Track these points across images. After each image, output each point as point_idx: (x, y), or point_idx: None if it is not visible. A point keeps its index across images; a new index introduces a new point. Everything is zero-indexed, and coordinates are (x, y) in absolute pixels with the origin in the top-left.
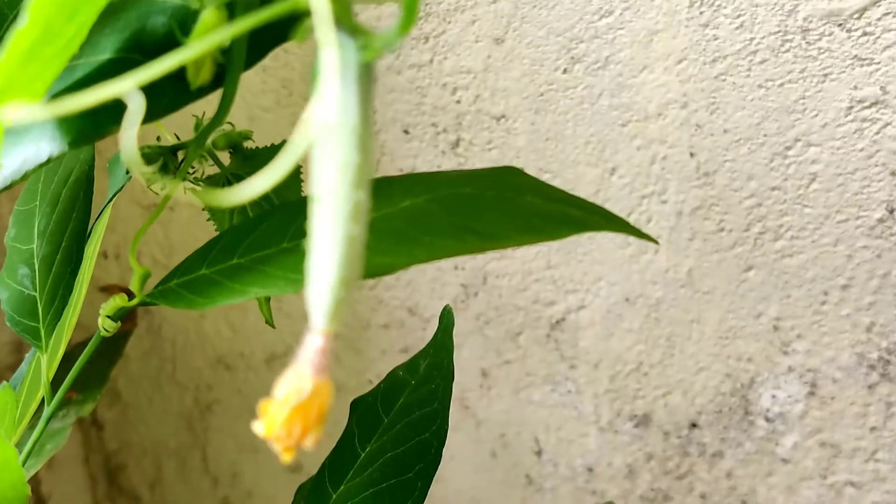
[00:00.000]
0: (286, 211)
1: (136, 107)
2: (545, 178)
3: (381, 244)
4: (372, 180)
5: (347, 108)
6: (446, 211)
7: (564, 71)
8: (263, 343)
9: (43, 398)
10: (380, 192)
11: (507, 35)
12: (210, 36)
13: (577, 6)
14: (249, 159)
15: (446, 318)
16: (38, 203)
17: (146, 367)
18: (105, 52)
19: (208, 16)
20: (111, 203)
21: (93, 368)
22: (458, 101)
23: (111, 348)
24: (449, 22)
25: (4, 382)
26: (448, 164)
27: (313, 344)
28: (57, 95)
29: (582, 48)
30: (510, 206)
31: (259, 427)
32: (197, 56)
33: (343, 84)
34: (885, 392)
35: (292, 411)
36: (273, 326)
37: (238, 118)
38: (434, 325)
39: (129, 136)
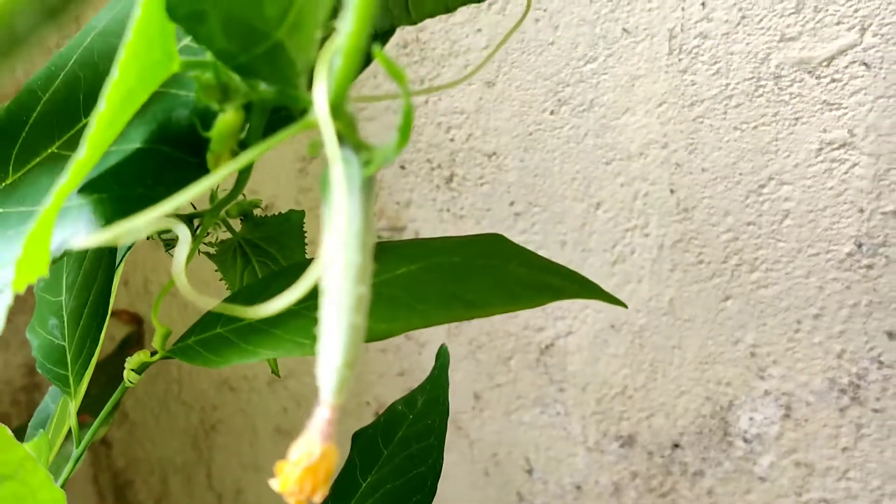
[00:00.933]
0: (293, 273)
1: (185, 237)
2: (534, 211)
3: (380, 311)
4: (375, 245)
5: (352, 216)
6: (438, 279)
7: (552, 112)
8: (265, 366)
9: (66, 434)
10: (380, 257)
11: (497, 78)
12: (232, 163)
13: (563, 52)
14: (259, 226)
15: (443, 357)
16: (65, 259)
17: (153, 389)
18: (135, 142)
19: (228, 117)
20: (126, 256)
21: (105, 393)
22: (452, 140)
23: (121, 372)
24: (443, 66)
25: (41, 431)
26: (442, 197)
27: (322, 415)
28: (95, 180)
29: (568, 91)
30: (496, 274)
31: (275, 484)
32: (218, 179)
33: (349, 196)
34: (856, 415)
35: (304, 472)
36: (279, 376)
37: None
38: (429, 350)
39: (180, 260)
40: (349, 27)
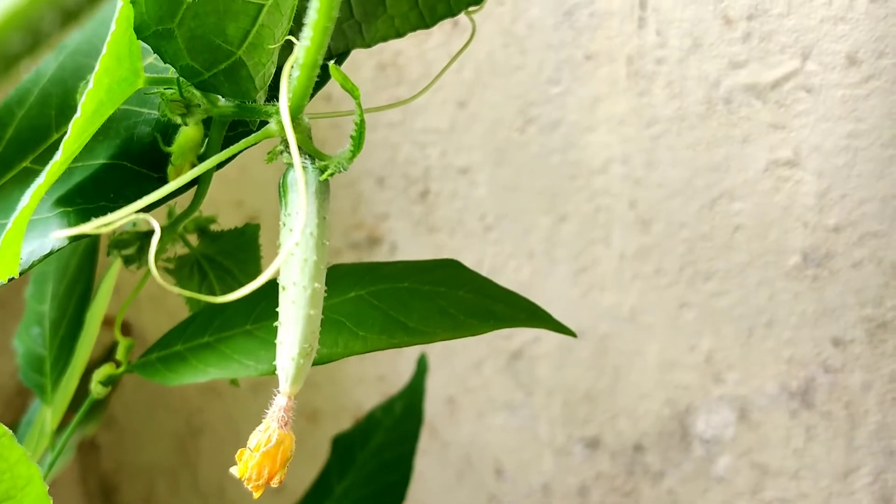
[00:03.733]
0: (254, 293)
1: (156, 227)
2: (504, 224)
3: (323, 336)
4: (330, 268)
5: (309, 218)
6: (383, 305)
7: (520, 131)
8: None
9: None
10: (334, 279)
11: (469, 99)
12: (191, 171)
13: (531, 75)
14: (215, 241)
15: (421, 366)
16: (52, 268)
17: (141, 393)
18: (99, 158)
19: (189, 131)
20: (112, 276)
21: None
22: (427, 156)
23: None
24: (418, 88)
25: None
26: (418, 210)
27: (279, 403)
28: (61, 197)
29: (535, 111)
30: (442, 301)
31: (234, 471)
32: (180, 184)
33: (306, 199)
34: (806, 417)
35: (262, 457)
36: (237, 385)
37: (230, 167)
38: (406, 356)
39: (153, 246)
40: (307, 42)
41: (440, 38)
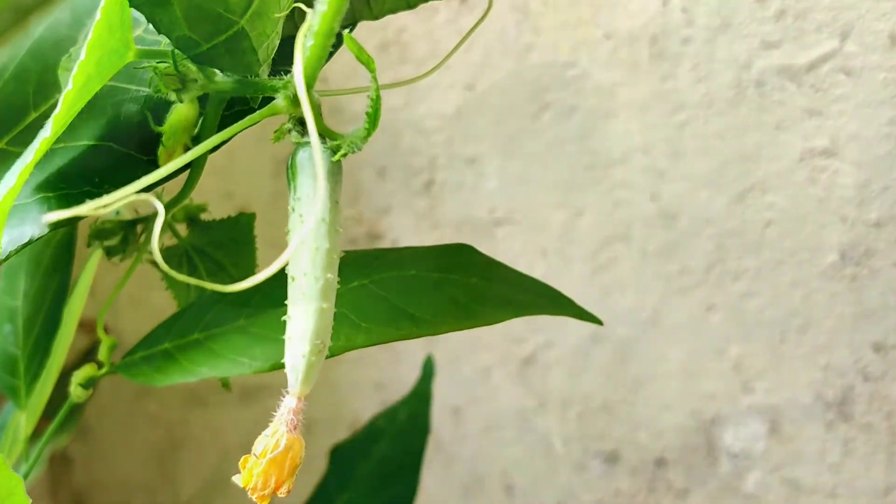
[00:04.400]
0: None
1: (160, 210)
2: (515, 219)
3: None
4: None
5: (320, 201)
6: (389, 295)
7: (533, 118)
8: (238, 378)
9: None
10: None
11: (478, 82)
12: (185, 155)
13: (545, 58)
14: (206, 231)
15: (428, 369)
16: (24, 260)
17: (117, 401)
18: (83, 139)
19: (183, 108)
20: (90, 271)
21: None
22: (432, 144)
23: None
24: (424, 68)
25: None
26: (421, 203)
27: (289, 405)
28: (42, 181)
29: (550, 96)
30: (453, 289)
31: (238, 479)
32: (173, 168)
33: (317, 181)
34: (843, 430)
35: (268, 464)
36: (229, 389)
37: (218, 155)
38: (406, 361)
39: (156, 229)
40: (324, 7)
41: (447, 14)
